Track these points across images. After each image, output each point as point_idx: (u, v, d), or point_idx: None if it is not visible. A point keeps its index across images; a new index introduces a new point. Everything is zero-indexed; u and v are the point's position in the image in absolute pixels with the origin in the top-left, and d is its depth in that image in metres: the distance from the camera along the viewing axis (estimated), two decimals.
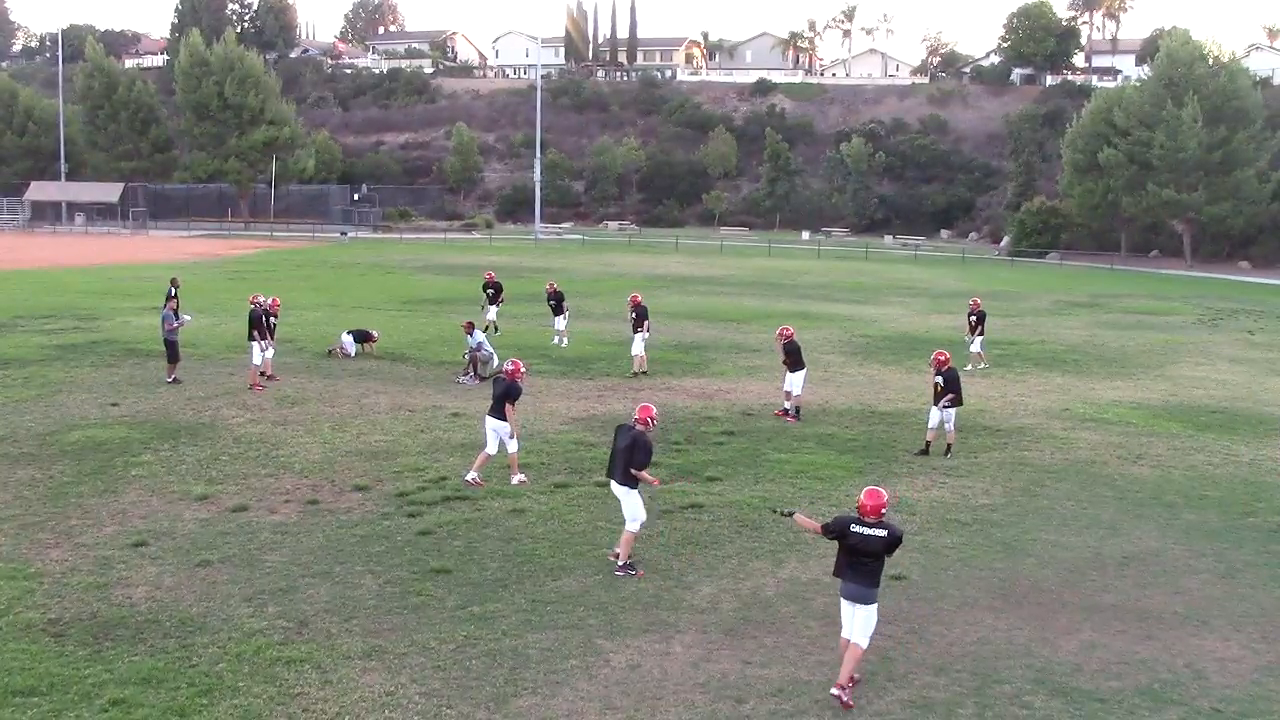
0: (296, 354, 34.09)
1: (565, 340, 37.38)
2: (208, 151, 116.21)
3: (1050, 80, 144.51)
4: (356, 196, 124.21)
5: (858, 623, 12.31)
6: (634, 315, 32.56)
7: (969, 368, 34.33)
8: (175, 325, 29.30)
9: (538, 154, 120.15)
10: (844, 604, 12.48)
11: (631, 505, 15.88)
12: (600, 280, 64.07)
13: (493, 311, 40.20)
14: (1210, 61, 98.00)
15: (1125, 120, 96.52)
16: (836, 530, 12.48)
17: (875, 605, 12.34)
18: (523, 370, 20.68)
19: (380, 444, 23.07)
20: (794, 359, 26.68)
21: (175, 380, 28.80)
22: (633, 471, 15.71)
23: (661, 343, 36.56)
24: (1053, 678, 12.93)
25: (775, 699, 12.18)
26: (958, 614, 14.78)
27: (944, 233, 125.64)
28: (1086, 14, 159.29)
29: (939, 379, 23.30)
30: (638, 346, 32.52)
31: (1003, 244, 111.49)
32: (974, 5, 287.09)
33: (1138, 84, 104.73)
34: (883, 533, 12.21)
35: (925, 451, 23.43)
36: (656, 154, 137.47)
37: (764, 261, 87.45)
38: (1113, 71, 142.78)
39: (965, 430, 25.89)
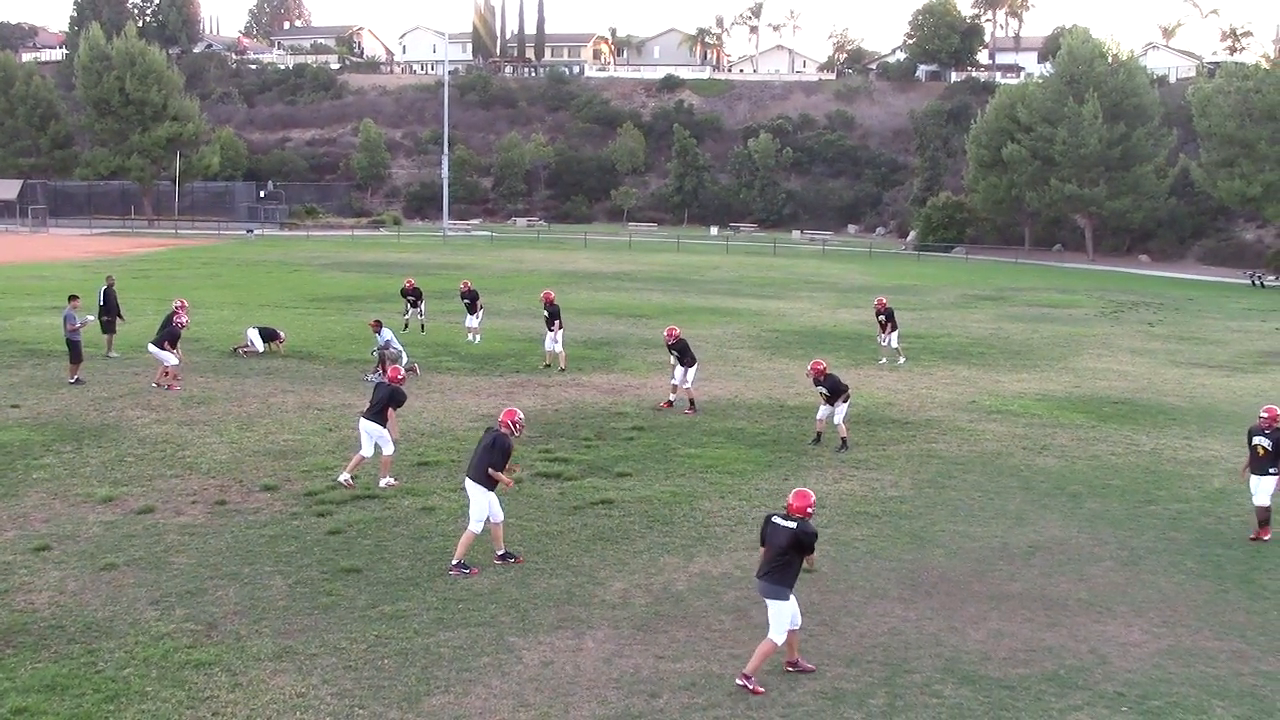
0: (203, 353, 33.63)
1: (478, 337, 37.25)
2: (109, 148, 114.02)
3: (955, 77, 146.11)
4: (262, 194, 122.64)
5: (770, 617, 12.44)
6: (547, 313, 32.52)
7: (883, 361, 34.73)
8: (77, 325, 28.81)
9: (445, 150, 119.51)
10: (763, 598, 12.69)
11: (479, 505, 15.70)
12: (510, 277, 63.86)
13: (414, 314, 40.24)
14: (1109, 60, 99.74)
15: (1028, 116, 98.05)
16: (764, 521, 12.86)
17: (787, 602, 12.41)
18: (403, 375, 20.92)
19: (288, 443, 22.84)
20: (684, 355, 27.17)
21: (78, 381, 28.29)
22: (490, 472, 15.64)
23: (571, 339, 36.53)
24: (962, 666, 13.10)
25: (688, 692, 12.22)
26: (868, 605, 14.93)
27: (851, 227, 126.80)
28: (989, 12, 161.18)
29: (821, 389, 23.73)
30: (550, 343, 32.49)
31: (909, 238, 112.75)
32: (879, 3, 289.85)
33: (1040, 81, 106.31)
34: (792, 525, 12.37)
35: (817, 440, 23.88)
36: (565, 150, 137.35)
37: (673, 257, 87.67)
38: (1015, 69, 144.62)
39: (874, 423, 26.21)
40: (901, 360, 35.65)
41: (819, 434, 23.98)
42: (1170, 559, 17.17)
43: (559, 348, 32.59)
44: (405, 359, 30.71)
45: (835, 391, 23.51)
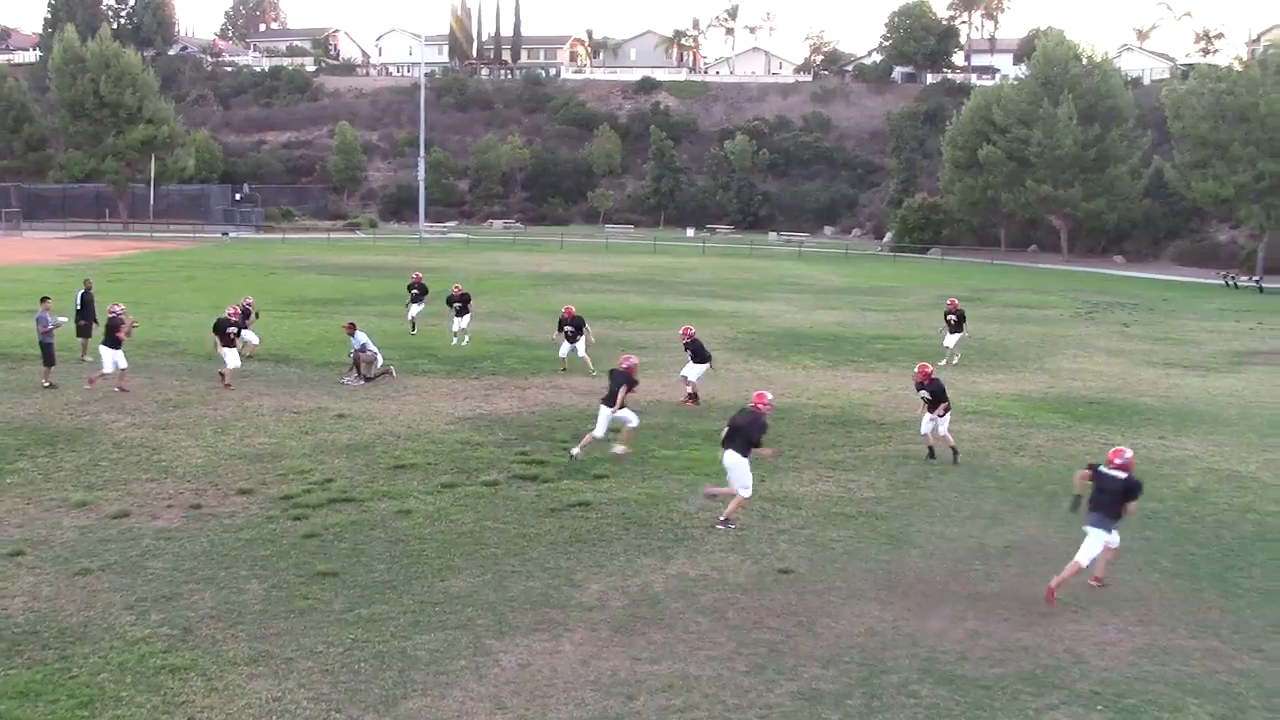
0: (178, 356, 33.52)
1: (466, 340, 37.35)
2: (84, 151, 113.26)
3: (931, 79, 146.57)
4: (238, 196, 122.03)
5: (1086, 544, 15.42)
6: (570, 328, 32.49)
7: (941, 363, 34.79)
8: (49, 327, 28.64)
9: (421, 153, 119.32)
10: (1087, 529, 15.51)
11: (742, 475, 17.98)
12: (486, 279, 63.75)
13: (414, 310, 40.55)
14: (1084, 61, 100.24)
15: (1004, 118, 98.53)
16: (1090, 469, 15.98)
17: (1111, 534, 15.45)
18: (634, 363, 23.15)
19: (264, 446, 22.76)
20: (697, 354, 28.42)
21: (51, 385, 28.14)
22: (754, 448, 18.10)
23: (548, 341, 36.48)
24: (939, 666, 13.13)
25: (665, 694, 12.22)
26: (845, 606, 14.94)
27: (827, 229, 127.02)
28: (965, 14, 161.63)
29: (924, 393, 23.06)
30: (565, 350, 32.71)
31: (885, 240, 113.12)
32: (856, 4, 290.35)
33: (1015, 83, 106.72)
34: (1122, 475, 15.42)
35: (931, 455, 23.17)
36: (541, 152, 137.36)
37: (649, 259, 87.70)
38: (991, 70, 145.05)
39: (850, 424, 26.28)
40: (955, 360, 36.09)
41: (931, 449, 23.31)
42: (1145, 558, 17.25)
43: (583, 352, 32.56)
44: (381, 361, 30.67)
45: (937, 398, 22.87)
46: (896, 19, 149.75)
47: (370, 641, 13.36)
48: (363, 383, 29.77)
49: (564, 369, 32.58)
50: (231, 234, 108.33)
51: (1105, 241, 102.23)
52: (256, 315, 34.09)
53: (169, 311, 44.39)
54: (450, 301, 37.95)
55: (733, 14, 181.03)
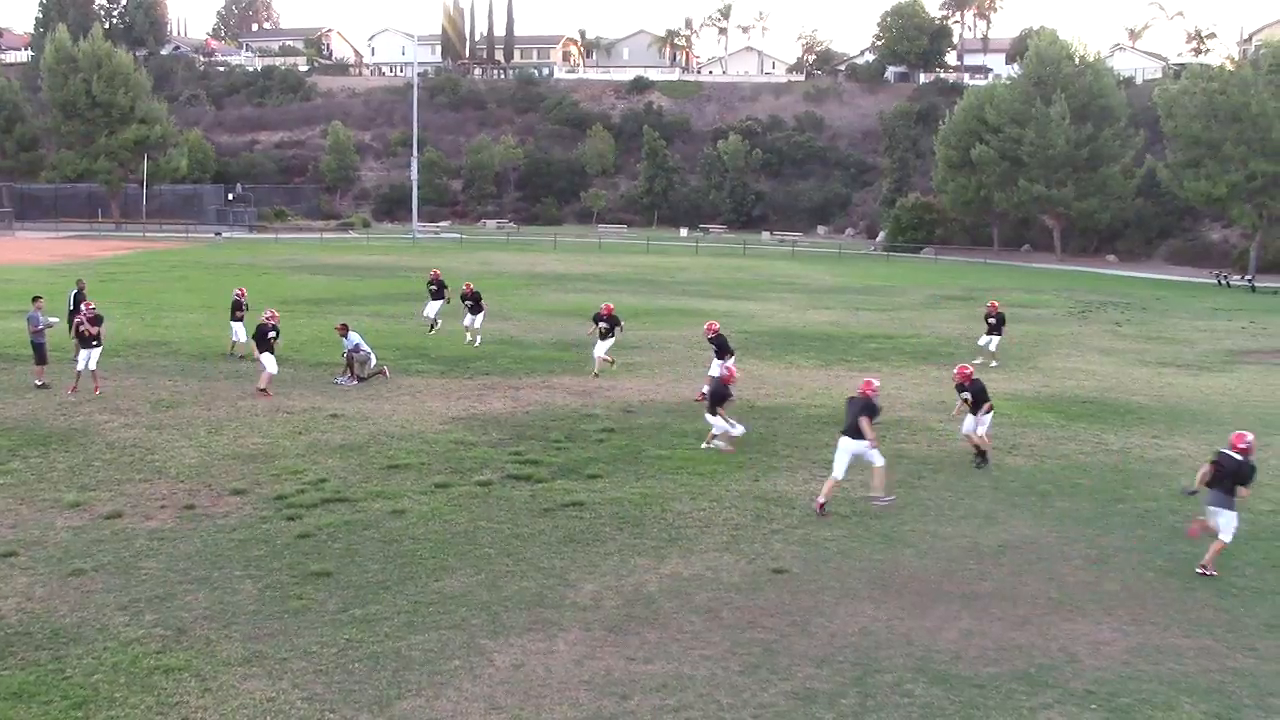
0: (170, 356, 33.49)
1: (479, 339, 37.35)
2: (76, 150, 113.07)
3: (924, 78, 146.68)
4: (231, 196, 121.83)
5: (1220, 524, 16.55)
6: (605, 324, 32.02)
7: (978, 361, 34.90)
8: (41, 326, 28.60)
9: (414, 152, 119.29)
10: (1208, 508, 16.73)
11: (848, 457, 19.22)
12: (478, 279, 63.38)
13: (433, 308, 40.63)
14: (1076, 61, 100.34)
15: (997, 118, 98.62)
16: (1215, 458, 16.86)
17: (1233, 513, 16.54)
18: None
19: (258, 447, 22.73)
20: (721, 349, 28.63)
21: (44, 384, 28.09)
22: (863, 426, 19.09)
23: (541, 341, 36.56)
24: (933, 665, 13.14)
25: (659, 694, 12.21)
26: (839, 605, 14.95)
27: (821, 229, 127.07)
28: (958, 13, 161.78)
29: (966, 394, 22.68)
30: (600, 349, 32.41)
31: (878, 239, 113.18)
32: (848, 4, 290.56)
33: (1008, 82, 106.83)
34: (1239, 458, 16.46)
35: (983, 458, 22.78)
36: (534, 152, 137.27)
37: (643, 259, 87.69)
38: (984, 70, 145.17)
39: (843, 423, 26.20)
40: (993, 364, 36.06)
41: (979, 450, 22.83)
42: (1139, 557, 17.27)
43: (602, 353, 32.18)
44: (374, 361, 30.67)
45: (979, 398, 22.56)
46: (889, 19, 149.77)
47: (364, 641, 13.35)
48: (356, 383, 29.75)
49: (597, 373, 32.07)
50: (224, 234, 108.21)
51: (1098, 241, 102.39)
52: (247, 308, 33.98)
53: (162, 312, 44.35)
54: (463, 299, 37.96)
55: (725, 13, 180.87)
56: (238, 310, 33.67)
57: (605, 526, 18.01)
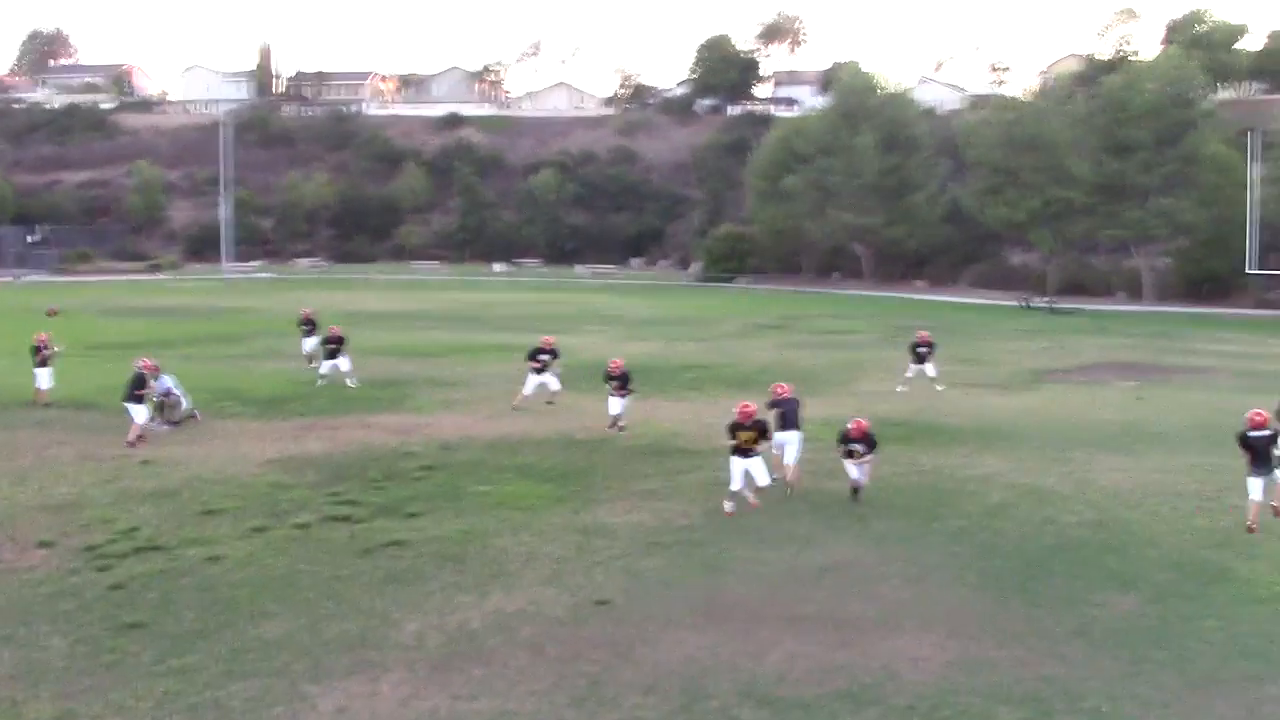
0: None
1: (354, 380, 36.25)
2: None
3: (734, 110, 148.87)
4: (31, 239, 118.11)
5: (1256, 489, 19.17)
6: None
7: (901, 389, 36.37)
8: None
9: (222, 191, 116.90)
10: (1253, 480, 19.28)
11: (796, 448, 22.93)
12: (293, 320, 62.52)
13: (308, 345, 40.08)
14: (880, 92, 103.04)
15: (806, 148, 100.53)
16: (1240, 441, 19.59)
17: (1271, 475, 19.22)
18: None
19: (66, 496, 21.93)
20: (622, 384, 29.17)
21: None
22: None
23: (361, 378, 36.09)
24: (758, 689, 13.23)
25: None
26: (663, 634, 14.97)
27: (634, 261, 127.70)
28: (769, 45, 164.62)
29: (858, 446, 22.44)
30: (531, 386, 32.74)
31: (691, 270, 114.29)
32: (660, 38, 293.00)
33: (817, 113, 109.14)
34: (1268, 433, 19.08)
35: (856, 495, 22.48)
36: (347, 189, 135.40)
37: (458, 295, 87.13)
38: (792, 101, 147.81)
39: (663, 453, 26.42)
40: (940, 389, 36.98)
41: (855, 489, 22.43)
42: (954, 573, 17.66)
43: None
44: (185, 405, 29.84)
45: (871, 446, 22.47)
46: (703, 51, 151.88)
47: (182, 693, 12.95)
48: (167, 428, 28.93)
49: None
50: (25, 277, 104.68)
51: (906, 267, 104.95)
52: (54, 352, 32.85)
53: None
54: (325, 342, 37.28)
55: (537, 49, 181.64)
56: (39, 354, 32.52)
57: (427, 565, 17.79)
